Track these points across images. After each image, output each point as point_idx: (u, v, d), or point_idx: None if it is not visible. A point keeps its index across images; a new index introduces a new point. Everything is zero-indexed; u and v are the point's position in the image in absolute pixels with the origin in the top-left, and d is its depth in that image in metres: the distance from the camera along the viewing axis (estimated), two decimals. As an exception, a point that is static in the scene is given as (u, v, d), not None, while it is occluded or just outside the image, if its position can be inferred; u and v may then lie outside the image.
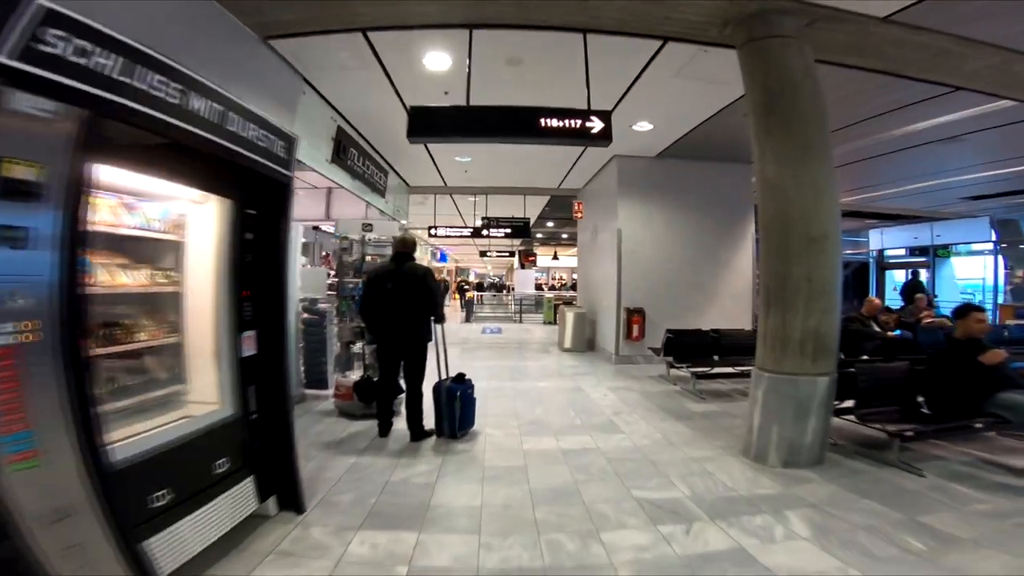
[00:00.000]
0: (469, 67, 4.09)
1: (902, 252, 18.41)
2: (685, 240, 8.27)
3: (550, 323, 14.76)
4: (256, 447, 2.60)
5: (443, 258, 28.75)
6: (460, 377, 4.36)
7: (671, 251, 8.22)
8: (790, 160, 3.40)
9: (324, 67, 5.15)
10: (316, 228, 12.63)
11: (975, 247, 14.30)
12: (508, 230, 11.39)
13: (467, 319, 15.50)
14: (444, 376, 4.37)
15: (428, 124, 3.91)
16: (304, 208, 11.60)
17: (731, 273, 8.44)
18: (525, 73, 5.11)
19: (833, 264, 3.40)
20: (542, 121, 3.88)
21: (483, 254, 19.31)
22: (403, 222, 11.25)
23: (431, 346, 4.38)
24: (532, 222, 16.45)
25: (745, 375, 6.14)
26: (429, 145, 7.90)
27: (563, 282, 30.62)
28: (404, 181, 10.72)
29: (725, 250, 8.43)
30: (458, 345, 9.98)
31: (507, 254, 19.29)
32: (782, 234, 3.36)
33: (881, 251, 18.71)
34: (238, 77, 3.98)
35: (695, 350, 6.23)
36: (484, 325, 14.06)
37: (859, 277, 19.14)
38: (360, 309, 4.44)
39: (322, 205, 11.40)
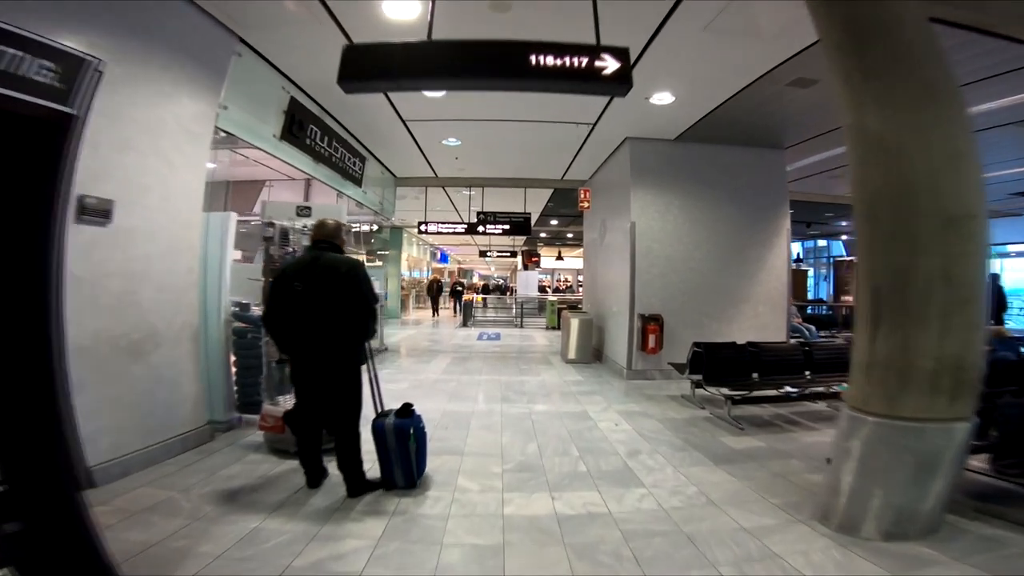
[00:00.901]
0: (432, 12, 2.95)
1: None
2: (710, 236, 7.11)
3: (553, 328, 13.62)
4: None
5: (444, 258, 27.71)
6: (406, 410, 3.24)
7: (693, 249, 7.05)
8: (907, 106, 2.25)
9: (264, 22, 4.10)
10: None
11: (1025, 248, 12.97)
12: (507, 226, 10.27)
13: (464, 323, 14.39)
14: (379, 409, 3.27)
15: (371, 66, 2.77)
16: (276, 200, 10.58)
17: (764, 274, 7.25)
18: (514, 22, 4.00)
19: (980, 258, 2.24)
20: (533, 59, 2.74)
21: (483, 254, 18.20)
22: (391, 218, 10.18)
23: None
24: (535, 220, 15.37)
25: (791, 398, 5.00)
26: (410, 124, 6.82)
27: (568, 284, 29.45)
28: (389, 172, 9.65)
29: (756, 248, 7.25)
30: (448, 354, 8.86)
31: (509, 254, 18.17)
32: (899, 212, 2.21)
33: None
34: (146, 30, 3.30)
35: (730, 368, 5.06)
36: (482, 330, 12.95)
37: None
38: (263, 318, 3.33)
39: (300, 198, 10.38)
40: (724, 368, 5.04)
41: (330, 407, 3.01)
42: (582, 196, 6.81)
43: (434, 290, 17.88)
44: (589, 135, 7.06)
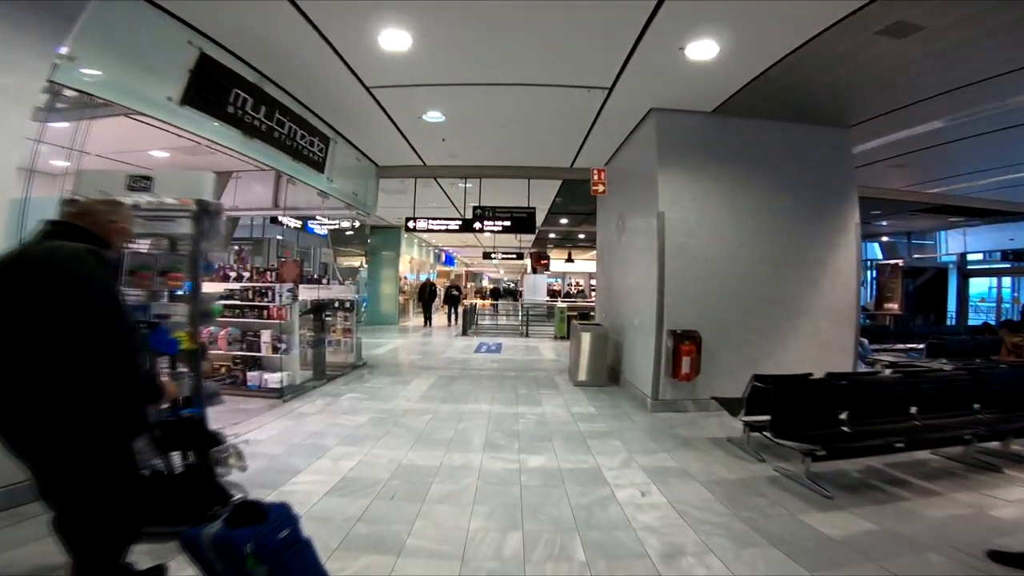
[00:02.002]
0: None
1: (981, 256, 15.52)
2: (758, 232, 5.63)
3: (562, 338, 12.18)
4: None
5: (449, 261, 26.42)
6: (251, 510, 1.82)
7: (737, 248, 5.58)
8: None
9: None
10: (275, 221, 10.35)
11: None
12: (507, 222, 8.86)
13: (464, 332, 13.01)
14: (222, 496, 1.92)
15: None
16: (246, 194, 9.37)
17: (826, 281, 5.74)
18: None
19: None
20: None
21: (487, 256, 16.85)
22: (370, 213, 8.85)
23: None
24: (542, 219, 13.95)
25: (898, 446, 3.51)
26: (376, 92, 5.49)
27: (579, 288, 27.92)
28: (369, 159, 8.33)
29: (817, 247, 5.76)
30: (436, 372, 7.48)
31: (514, 256, 16.76)
32: None
33: (963, 255, 15.58)
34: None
35: (811, 410, 3.58)
36: (482, 340, 11.57)
37: (935, 287, 15.97)
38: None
39: (270, 190, 9.16)
40: (803, 411, 3.55)
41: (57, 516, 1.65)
42: (596, 177, 5.41)
43: (426, 295, 15.75)
44: (604, 104, 5.62)
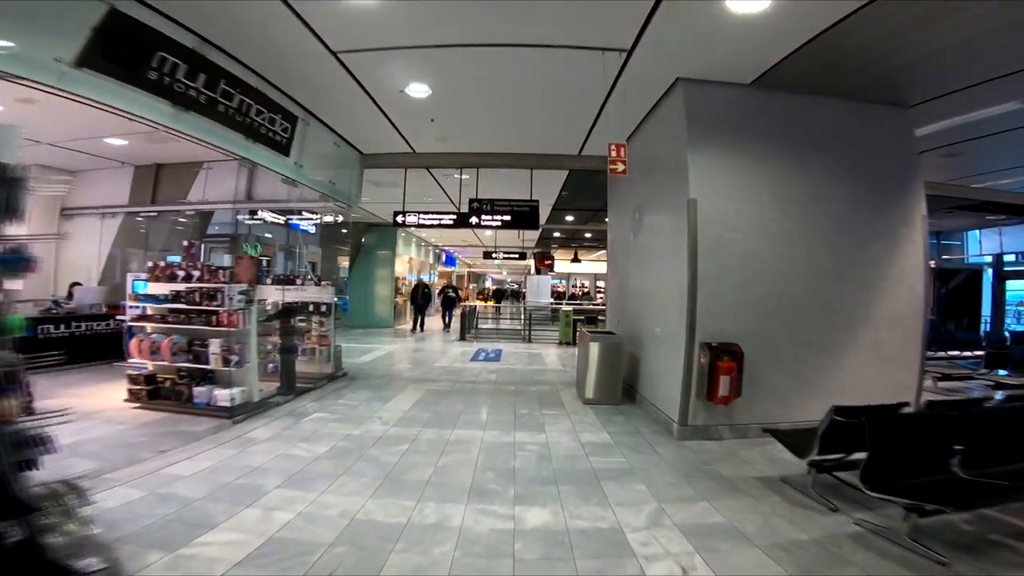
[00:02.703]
0: None
1: (1014, 257, 14.50)
2: (809, 225, 4.70)
3: (567, 344, 11.22)
4: None
5: (450, 261, 25.50)
6: None
7: (786, 244, 4.63)
8: None
9: None
10: (254, 214, 9.45)
11: None
12: (507, 217, 7.95)
13: (462, 336, 12.07)
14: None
15: None
16: (217, 186, 8.51)
17: (889, 283, 4.79)
18: None
19: None
20: None
21: (488, 255, 15.93)
22: (351, 205, 7.93)
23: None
24: (546, 216, 12.97)
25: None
26: (345, 58, 4.60)
27: (584, 290, 26.92)
28: (351, 146, 7.43)
29: (877, 243, 4.81)
30: (425, 384, 6.54)
31: (517, 255, 15.83)
32: None
33: (999, 256, 14.51)
34: None
35: (911, 451, 2.63)
36: (481, 346, 10.63)
37: (968, 290, 14.88)
38: None
39: (240, 181, 8.28)
40: (904, 453, 2.59)
41: None
42: (614, 154, 4.44)
43: (418, 297, 13.96)
44: (621, 73, 4.68)
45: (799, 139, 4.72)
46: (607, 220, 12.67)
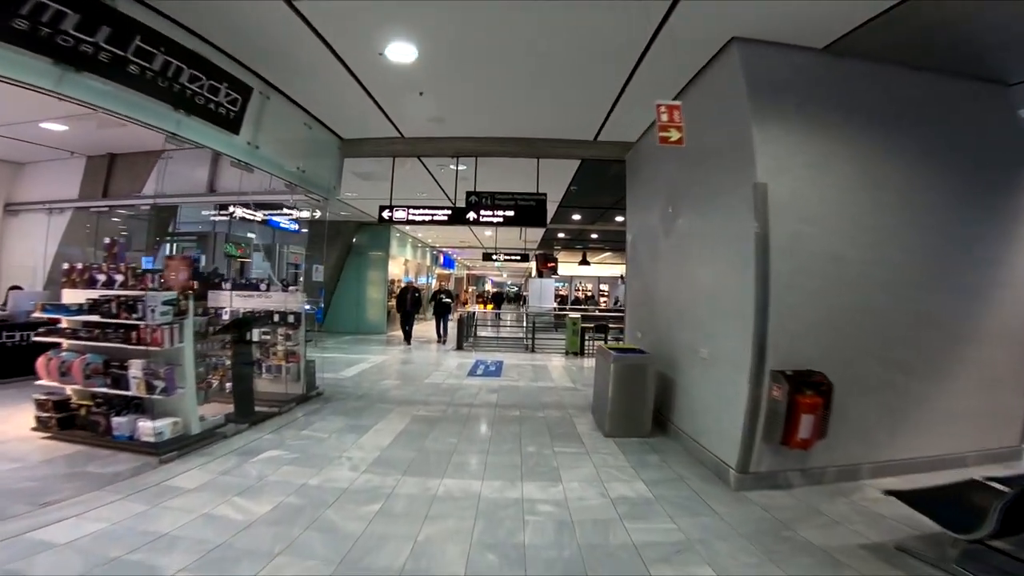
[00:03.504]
0: None
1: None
2: (905, 219, 3.66)
3: (574, 354, 10.18)
4: None
5: (448, 263, 24.46)
6: None
7: (880, 241, 3.61)
8: None
9: None
10: (225, 209, 8.39)
11: None
12: (510, 212, 6.94)
13: (459, 345, 11.01)
14: None
15: None
16: (177, 178, 7.46)
17: (1001, 291, 3.78)
18: None
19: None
20: None
21: (488, 257, 14.90)
22: (328, 198, 6.89)
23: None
24: (551, 213, 11.93)
25: None
26: (306, 12, 3.54)
27: (588, 293, 25.89)
28: (327, 129, 6.40)
29: (986, 243, 3.79)
30: (412, 408, 5.47)
31: (518, 257, 14.80)
32: None
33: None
34: None
35: None
36: (480, 356, 9.58)
37: None
38: None
39: (200, 171, 7.24)
40: None
41: None
42: (665, 117, 3.35)
43: (406, 303, 11.60)
44: (658, 32, 3.68)
45: (883, 116, 3.70)
46: (620, 219, 11.68)
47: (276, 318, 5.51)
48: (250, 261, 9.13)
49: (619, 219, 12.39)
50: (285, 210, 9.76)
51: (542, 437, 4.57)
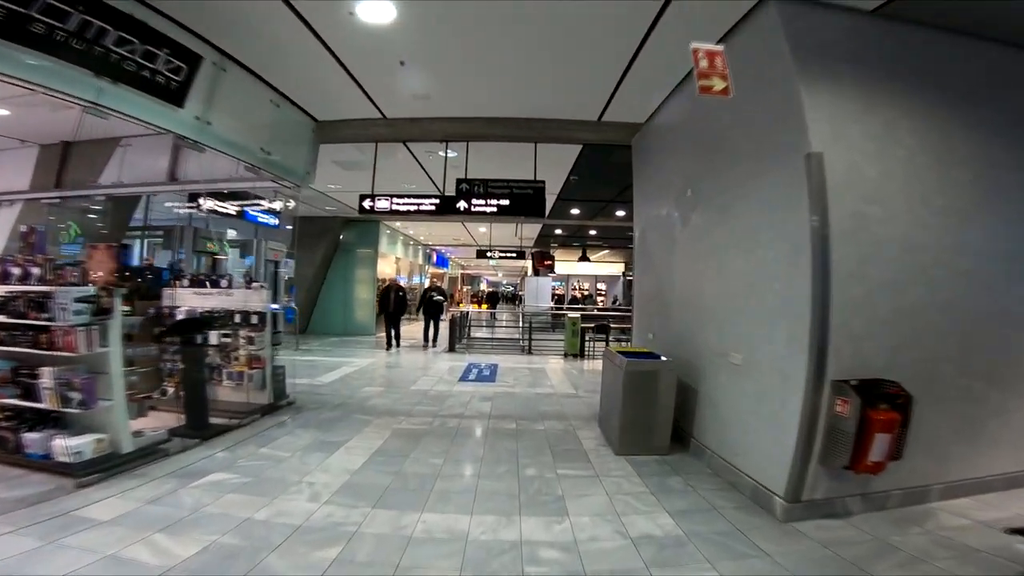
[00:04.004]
0: None
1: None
2: (980, 200, 3.04)
3: (573, 356, 9.55)
4: None
5: (441, 262, 23.78)
6: None
7: (955, 224, 2.99)
8: None
9: None
10: (196, 201, 7.67)
11: None
12: (505, 201, 6.31)
13: (451, 347, 10.34)
14: None
15: None
16: (136, 167, 6.75)
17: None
18: None
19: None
20: None
21: (482, 254, 14.26)
22: (300, 185, 6.22)
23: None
24: (549, 207, 11.24)
25: None
26: None
27: (585, 293, 25.27)
28: (300, 109, 5.74)
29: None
30: (392, 420, 4.80)
31: (514, 254, 14.16)
32: None
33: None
34: None
35: None
36: (472, 361, 8.92)
37: None
38: None
39: (161, 159, 6.53)
40: None
41: None
42: (705, 63, 2.70)
43: (390, 304, 10.24)
44: None
45: (948, 86, 3.10)
46: (621, 213, 11.04)
47: (238, 318, 4.83)
48: (225, 258, 8.41)
49: (620, 213, 11.78)
50: (258, 201, 9.07)
51: (543, 456, 3.91)
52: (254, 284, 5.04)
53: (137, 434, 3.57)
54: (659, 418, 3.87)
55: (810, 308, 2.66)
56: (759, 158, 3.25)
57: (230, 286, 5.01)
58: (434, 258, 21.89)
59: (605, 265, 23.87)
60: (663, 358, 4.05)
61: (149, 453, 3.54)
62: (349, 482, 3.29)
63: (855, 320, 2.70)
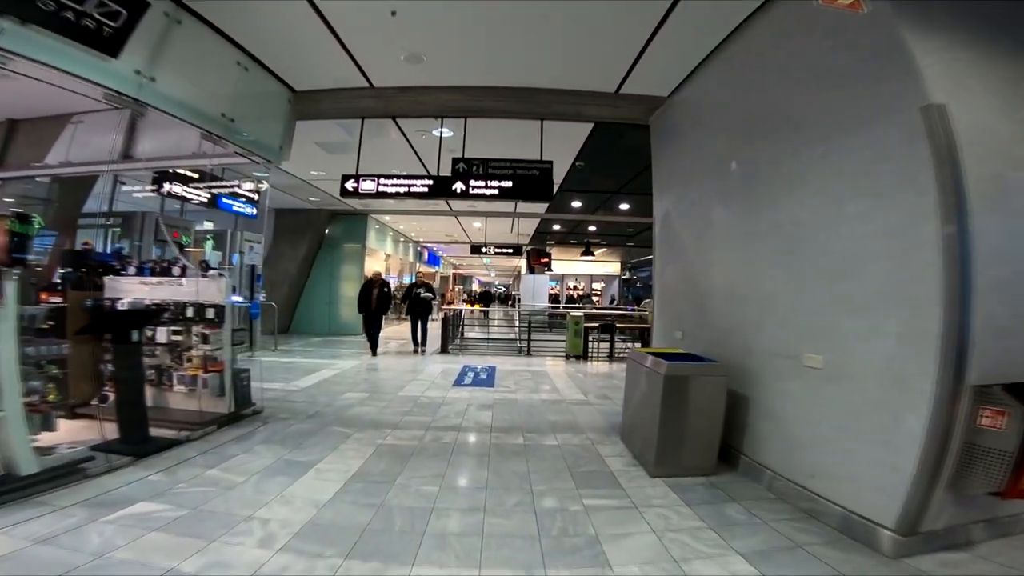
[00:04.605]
0: None
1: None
2: None
3: (576, 358, 8.86)
4: None
5: (433, 260, 22.97)
6: None
7: None
8: None
9: None
10: (157, 185, 6.81)
11: None
12: (507, 183, 5.61)
13: (443, 349, 9.58)
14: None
15: None
16: (86, 147, 5.90)
17: None
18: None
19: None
20: None
21: (476, 250, 13.53)
22: (270, 160, 5.45)
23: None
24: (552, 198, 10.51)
25: None
26: None
27: (581, 292, 24.63)
28: (273, 75, 4.98)
29: None
30: (376, 433, 4.02)
31: (511, 251, 13.46)
32: None
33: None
34: None
35: None
36: (467, 363, 8.18)
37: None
38: None
39: (120, 136, 5.71)
40: None
41: None
42: None
43: (371, 302, 8.62)
44: None
45: None
46: (625, 206, 10.23)
47: (190, 312, 4.04)
48: (194, 250, 7.54)
49: (623, 207, 11.13)
50: (233, 187, 8.24)
51: (561, 480, 3.18)
52: (211, 272, 4.26)
53: (46, 452, 2.81)
54: (706, 431, 3.16)
55: (941, 294, 1.98)
56: (845, 118, 2.57)
57: (183, 275, 4.22)
58: (425, 256, 21.09)
59: (601, 264, 23.26)
60: (711, 361, 3.34)
61: (61, 475, 2.76)
62: (316, 519, 2.54)
63: (1000, 310, 2.02)
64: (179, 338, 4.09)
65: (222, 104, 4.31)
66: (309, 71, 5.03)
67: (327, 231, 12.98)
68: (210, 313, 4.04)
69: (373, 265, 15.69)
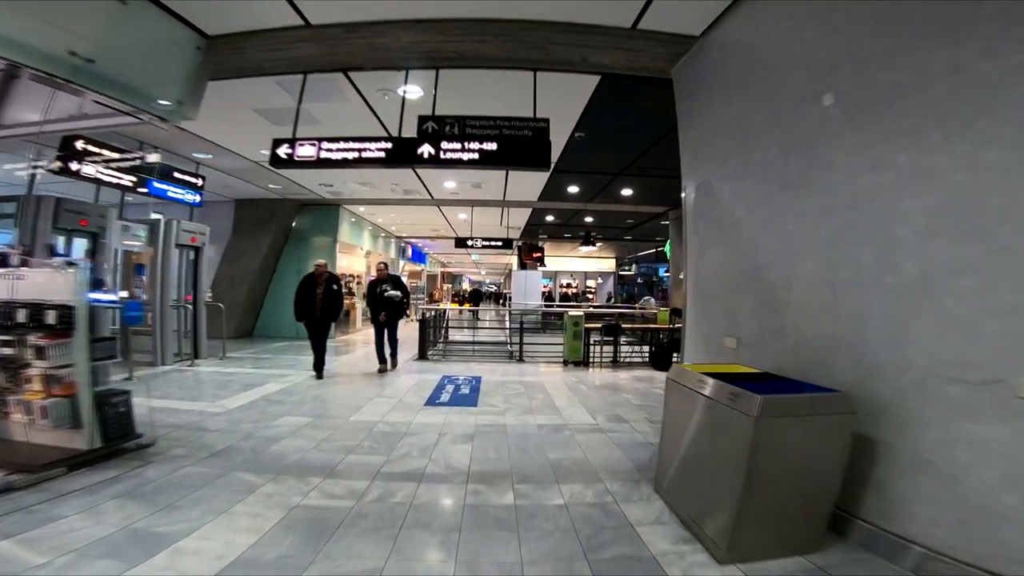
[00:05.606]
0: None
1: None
2: None
3: (575, 364, 7.67)
4: None
5: (418, 257, 21.61)
6: None
7: None
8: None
9: None
10: (65, 165, 5.42)
11: None
12: (490, 145, 4.40)
13: (421, 354, 8.30)
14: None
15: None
16: None
17: None
18: None
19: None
20: None
21: (461, 243, 12.28)
22: (167, 120, 4.16)
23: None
24: (543, 181, 9.26)
25: None
26: None
27: (575, 290, 23.47)
28: (181, 20, 3.68)
29: None
30: (298, 485, 2.70)
31: (500, 244, 12.23)
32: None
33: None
34: None
35: None
36: (447, 372, 6.93)
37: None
38: None
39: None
40: None
41: None
42: None
43: (314, 307, 6.06)
44: None
45: None
46: (628, 192, 8.90)
47: (22, 316, 2.75)
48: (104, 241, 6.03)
49: (626, 192, 9.94)
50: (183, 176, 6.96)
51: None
52: (55, 260, 2.98)
53: None
54: (815, 493, 1.96)
55: None
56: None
57: (24, 265, 2.92)
58: (409, 252, 19.75)
59: (595, 261, 22.14)
60: (811, 386, 2.12)
61: None
62: None
63: None
64: (8, 351, 2.80)
65: (77, 37, 3.03)
66: (224, 7, 3.78)
67: (294, 224, 11.66)
68: (50, 317, 2.75)
69: (355, 263, 14.36)
